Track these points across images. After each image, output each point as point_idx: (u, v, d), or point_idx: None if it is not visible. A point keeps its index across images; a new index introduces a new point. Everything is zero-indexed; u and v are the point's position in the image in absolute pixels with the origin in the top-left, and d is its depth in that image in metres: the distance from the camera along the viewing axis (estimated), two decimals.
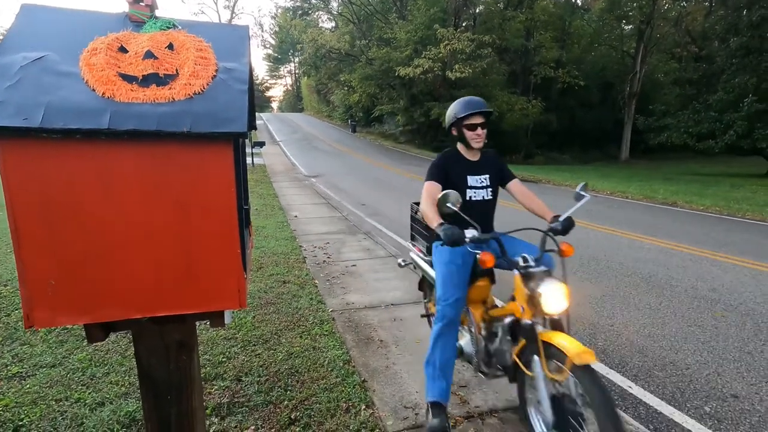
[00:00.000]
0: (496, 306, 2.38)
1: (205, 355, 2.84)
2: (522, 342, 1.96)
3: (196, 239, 1.08)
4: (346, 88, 31.67)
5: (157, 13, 1.25)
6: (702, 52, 23.19)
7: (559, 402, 1.82)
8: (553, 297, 1.79)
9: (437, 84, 24.70)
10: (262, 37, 59.68)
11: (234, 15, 44.99)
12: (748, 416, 2.42)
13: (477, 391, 2.56)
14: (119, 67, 1.06)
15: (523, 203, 2.40)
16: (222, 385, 2.53)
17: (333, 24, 36.53)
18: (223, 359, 2.81)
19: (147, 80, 1.06)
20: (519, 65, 26.68)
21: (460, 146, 2.37)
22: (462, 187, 2.25)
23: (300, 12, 37.90)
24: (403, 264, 3.15)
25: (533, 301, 1.83)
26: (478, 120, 2.24)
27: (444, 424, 2.06)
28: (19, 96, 0.95)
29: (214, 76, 1.12)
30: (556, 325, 1.88)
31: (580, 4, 28.95)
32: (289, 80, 71.39)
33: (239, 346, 2.99)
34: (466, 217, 1.93)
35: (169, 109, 1.03)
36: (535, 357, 1.85)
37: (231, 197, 1.08)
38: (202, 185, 1.06)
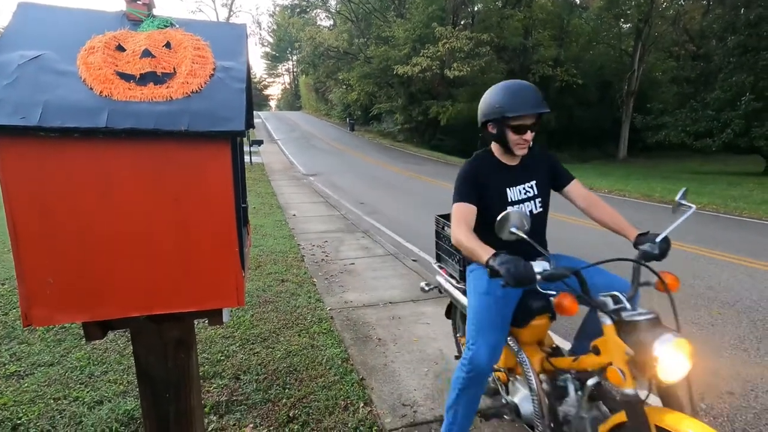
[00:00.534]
0: (558, 348, 1.88)
1: (204, 354, 2.84)
2: (619, 417, 1.39)
3: (194, 238, 1.08)
4: (344, 87, 31.65)
5: (155, 11, 1.25)
6: (700, 51, 23.22)
7: None
8: (674, 360, 1.24)
9: (435, 82, 24.71)
10: (260, 35, 59.53)
11: (232, 13, 44.85)
12: (743, 413, 2.44)
13: None
14: (117, 66, 1.06)
15: (590, 213, 1.86)
16: (220, 383, 2.53)
17: (331, 22, 36.46)
18: (222, 357, 2.81)
19: (144, 79, 1.06)
20: (517, 64, 26.67)
21: (495, 147, 1.83)
22: (499, 206, 1.71)
23: (298, 10, 37.79)
24: (426, 289, 2.53)
25: (641, 364, 1.29)
26: (530, 120, 1.66)
27: None
28: (16, 95, 0.95)
29: (212, 74, 1.13)
30: (669, 394, 1.40)
31: (578, 2, 28.94)
32: (287, 78, 71.32)
33: (237, 344, 3.00)
34: (537, 245, 1.39)
35: (166, 108, 1.03)
36: None
37: (229, 196, 1.08)
38: (200, 184, 1.06)
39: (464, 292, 2.12)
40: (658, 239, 1.57)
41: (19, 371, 2.59)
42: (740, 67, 16.93)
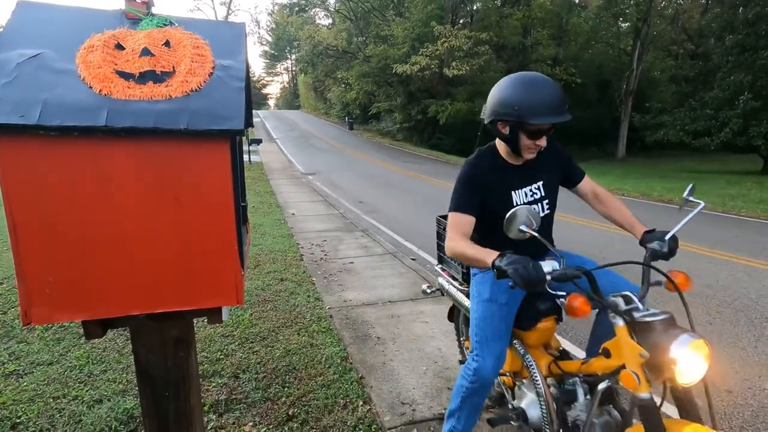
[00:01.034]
0: (566, 351, 1.83)
1: (203, 353, 2.84)
2: (636, 430, 1.32)
3: (194, 236, 1.08)
4: (343, 86, 31.63)
5: (154, 10, 1.25)
6: (698, 50, 23.23)
7: None
8: (693, 362, 1.19)
9: (434, 81, 24.69)
10: (259, 34, 59.45)
11: (230, 12, 44.74)
12: (741, 411, 2.45)
13: None
14: (116, 65, 1.06)
15: (597, 207, 1.81)
16: (220, 382, 2.53)
17: (330, 21, 36.43)
18: (221, 356, 2.82)
19: (144, 77, 1.06)
20: (516, 63, 26.65)
21: (500, 145, 1.67)
22: (503, 210, 1.48)
23: (297, 9, 37.77)
24: (429, 291, 2.49)
25: (656, 366, 1.21)
26: (548, 125, 1.52)
27: None
28: (15, 93, 0.95)
29: (211, 73, 1.13)
30: (685, 402, 1.32)
31: (577, 1, 28.94)
32: (286, 77, 71.27)
33: (237, 343, 3.00)
34: (546, 242, 1.33)
35: (166, 107, 1.03)
36: None
37: (228, 194, 1.09)
38: (199, 182, 1.06)
39: (467, 295, 2.07)
40: (667, 237, 1.51)
41: (18, 370, 2.59)
42: (738, 66, 16.95)
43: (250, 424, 2.19)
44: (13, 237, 0.98)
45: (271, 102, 74.40)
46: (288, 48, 58.88)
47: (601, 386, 1.40)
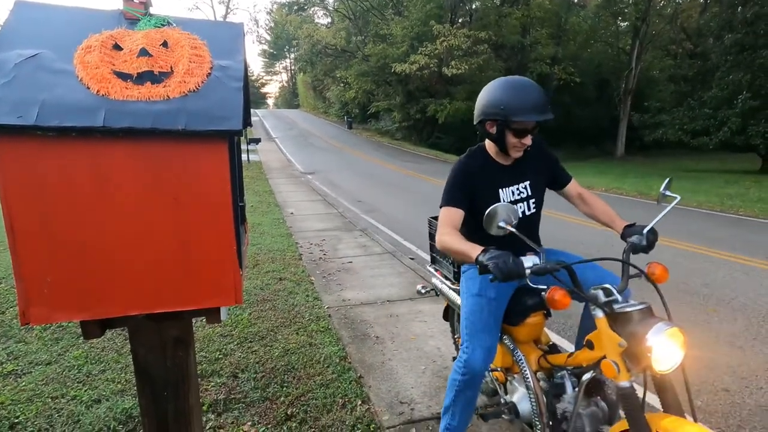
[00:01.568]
0: (555, 345, 1.88)
1: (202, 352, 2.84)
2: (621, 425, 1.37)
3: (192, 236, 1.08)
4: (342, 85, 31.61)
5: (152, 10, 1.25)
6: (697, 49, 23.25)
7: None
8: (668, 349, 1.25)
9: (433, 80, 24.70)
10: (258, 32, 59.35)
11: (229, 11, 44.65)
12: (738, 410, 2.46)
13: None
14: (114, 65, 1.06)
15: (581, 208, 1.90)
16: (218, 381, 2.53)
17: (329, 20, 36.39)
18: (220, 356, 2.82)
19: (142, 78, 1.07)
20: (515, 62, 26.66)
21: (489, 145, 1.76)
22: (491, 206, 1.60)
23: (296, 8, 37.68)
24: (423, 291, 2.55)
25: (634, 355, 1.28)
26: (532, 124, 1.61)
27: None
28: (13, 94, 0.95)
29: (209, 73, 1.13)
30: (666, 394, 1.37)
31: (576, 0, 28.95)
32: (284, 76, 71.19)
33: (235, 342, 3.00)
34: (526, 239, 1.40)
35: (164, 107, 1.03)
36: None
37: (226, 194, 1.09)
38: (198, 183, 1.06)
39: (459, 293, 2.10)
40: (645, 230, 1.57)
41: (17, 370, 2.59)
42: (737, 66, 16.97)
43: (249, 423, 2.19)
44: (11, 237, 0.98)
45: (270, 101, 74.33)
46: (287, 47, 58.78)
47: (586, 377, 1.45)
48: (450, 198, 1.70)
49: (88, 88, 1.01)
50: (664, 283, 1.47)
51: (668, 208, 1.59)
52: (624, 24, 26.94)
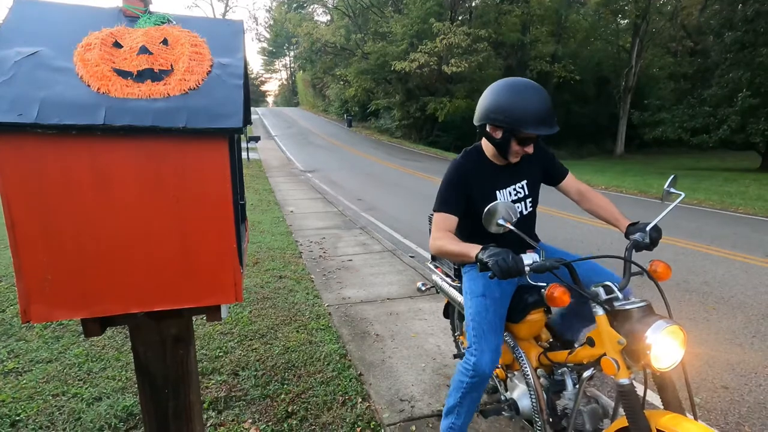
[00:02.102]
0: (555, 343, 1.90)
1: (202, 350, 2.85)
2: (619, 423, 1.37)
3: (192, 234, 1.08)
4: (341, 83, 31.56)
5: (151, 8, 1.25)
6: (697, 47, 23.24)
7: None
8: (667, 347, 1.24)
9: (433, 78, 24.67)
10: (257, 30, 59.10)
11: (228, 8, 44.52)
12: (737, 407, 2.47)
13: None
14: (114, 63, 1.06)
15: (582, 205, 1.87)
16: (219, 379, 2.54)
17: (328, 17, 36.29)
18: (220, 354, 2.82)
19: (142, 76, 1.06)
20: (515, 60, 26.64)
21: (486, 147, 1.73)
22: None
23: (295, 5, 37.58)
24: (423, 288, 2.55)
25: (634, 352, 1.28)
26: (535, 135, 1.58)
27: None
28: (13, 91, 0.95)
29: (209, 71, 1.12)
30: (667, 392, 1.37)
31: None
32: (284, 74, 71.07)
33: (236, 340, 3.01)
34: (526, 237, 1.40)
35: (164, 105, 1.03)
36: None
37: (227, 192, 1.09)
38: (198, 180, 1.06)
39: (460, 290, 2.12)
40: (648, 228, 1.57)
41: (18, 368, 2.59)
42: (737, 64, 16.95)
43: (250, 421, 2.20)
44: (12, 235, 0.98)
45: (270, 99, 74.27)
46: (286, 45, 58.66)
47: (586, 374, 1.47)
48: (443, 203, 1.68)
49: (89, 85, 1.01)
50: (665, 281, 1.48)
51: (672, 205, 1.59)
52: (624, 21, 26.92)
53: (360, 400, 2.38)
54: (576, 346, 1.62)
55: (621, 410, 1.47)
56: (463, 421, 1.80)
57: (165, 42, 1.14)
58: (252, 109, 1.89)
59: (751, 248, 5.69)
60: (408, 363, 2.80)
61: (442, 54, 22.42)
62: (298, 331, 3.18)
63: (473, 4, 26.46)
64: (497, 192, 1.73)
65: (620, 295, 1.37)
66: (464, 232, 1.76)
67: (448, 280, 2.25)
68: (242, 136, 1.34)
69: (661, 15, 24.30)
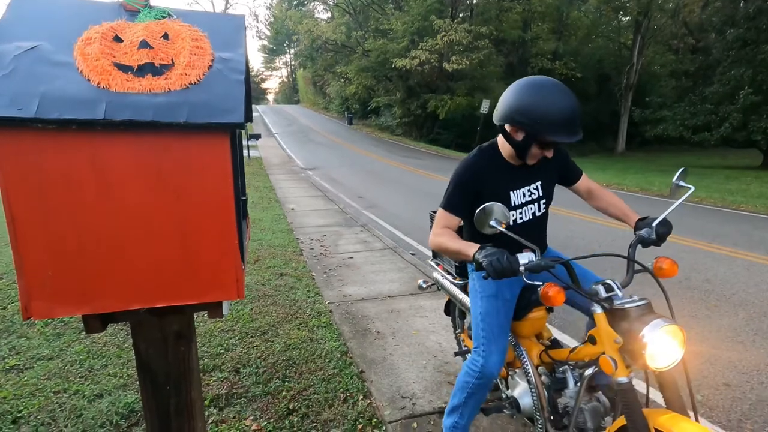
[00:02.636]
0: (557, 340, 1.88)
1: (203, 347, 2.85)
2: (620, 421, 1.35)
3: (194, 229, 1.08)
4: (342, 80, 31.50)
5: (152, 2, 1.23)
6: (699, 44, 23.17)
7: None
8: (663, 345, 1.22)
9: (434, 76, 24.61)
10: (257, 27, 59.10)
11: (228, 5, 44.38)
12: (739, 404, 2.46)
13: None
14: (114, 57, 1.05)
15: (592, 203, 1.84)
16: (220, 376, 2.54)
17: (329, 15, 36.19)
18: (221, 351, 2.82)
19: (142, 70, 1.05)
20: (516, 57, 26.58)
21: (503, 145, 1.64)
22: None
23: (295, 2, 37.49)
24: (424, 286, 2.54)
25: (631, 351, 1.27)
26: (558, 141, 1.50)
27: None
28: (13, 86, 0.94)
29: (210, 66, 1.11)
30: (669, 392, 1.34)
31: None
32: (284, 72, 70.96)
33: (237, 338, 3.01)
34: (520, 239, 1.37)
35: (165, 100, 1.02)
36: None
37: (228, 188, 1.08)
38: (199, 176, 1.05)
39: (462, 288, 2.14)
40: (655, 223, 1.53)
41: (19, 365, 2.59)
42: (739, 61, 16.90)
43: (251, 418, 2.20)
44: (12, 231, 0.98)
45: (270, 97, 74.23)
46: (287, 42, 58.51)
47: (588, 372, 1.44)
48: (450, 203, 1.63)
49: (89, 80, 1.00)
50: (667, 278, 1.46)
51: (681, 200, 1.54)
52: (625, 19, 26.83)
53: (361, 397, 2.38)
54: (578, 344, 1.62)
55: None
56: (467, 420, 1.80)
57: (166, 36, 1.13)
58: (253, 106, 1.88)
59: (752, 246, 5.68)
60: (409, 360, 2.80)
61: (443, 51, 22.36)
62: (299, 329, 3.18)
63: (474, 1, 26.37)
64: (511, 193, 1.66)
65: (620, 294, 1.35)
66: (471, 231, 1.74)
67: (450, 277, 2.25)
68: (243, 133, 1.33)
69: (663, 12, 24.19)
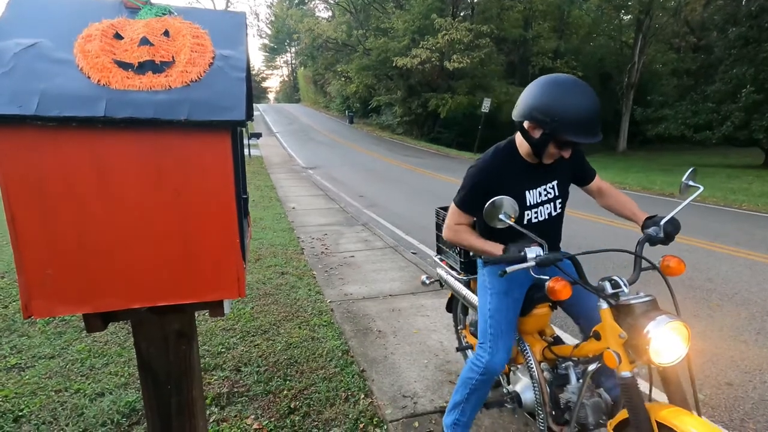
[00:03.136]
0: (559, 338, 1.90)
1: (204, 346, 2.84)
2: (622, 414, 1.37)
3: (195, 228, 1.07)
4: (343, 79, 31.45)
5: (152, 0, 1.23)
6: (700, 43, 23.11)
7: None
8: (667, 341, 1.24)
9: (435, 74, 24.57)
10: (258, 26, 58.93)
11: (229, 4, 44.35)
12: (741, 403, 2.46)
13: None
14: (114, 54, 1.04)
15: (604, 203, 1.84)
16: (221, 375, 2.54)
17: (330, 13, 36.16)
18: (222, 350, 2.82)
19: (143, 67, 1.05)
20: (517, 55, 26.53)
21: (520, 143, 1.63)
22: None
23: (296, 1, 37.45)
24: (427, 282, 2.53)
25: (635, 346, 1.29)
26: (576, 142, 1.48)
27: None
28: (13, 83, 0.94)
29: (211, 63, 1.10)
30: (672, 388, 1.35)
31: None
32: (285, 71, 70.92)
33: (238, 336, 3.00)
34: (528, 233, 1.39)
35: (165, 97, 1.01)
36: None
37: (229, 186, 1.07)
38: (201, 174, 1.05)
39: (465, 284, 2.15)
40: (663, 222, 1.54)
41: (20, 364, 2.59)
42: (741, 59, 16.84)
43: (252, 416, 2.19)
44: (12, 229, 0.97)
45: (271, 96, 74.22)
46: (287, 41, 58.50)
47: (591, 367, 1.47)
48: (463, 202, 1.64)
49: (89, 77, 0.99)
50: (669, 277, 1.46)
51: (689, 199, 1.56)
52: (627, 17, 26.73)
53: (363, 396, 2.38)
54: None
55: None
56: (468, 417, 1.81)
57: (166, 33, 1.12)
58: (254, 105, 1.87)
59: (754, 245, 5.66)
60: (410, 359, 2.80)
61: (444, 50, 22.31)
62: (300, 328, 3.17)
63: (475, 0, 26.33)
64: (526, 192, 1.64)
65: (626, 290, 1.36)
66: (484, 226, 1.72)
67: (454, 273, 2.26)
68: (244, 131, 1.32)
69: (665, 10, 24.11)
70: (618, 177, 12.93)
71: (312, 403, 2.31)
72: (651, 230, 1.55)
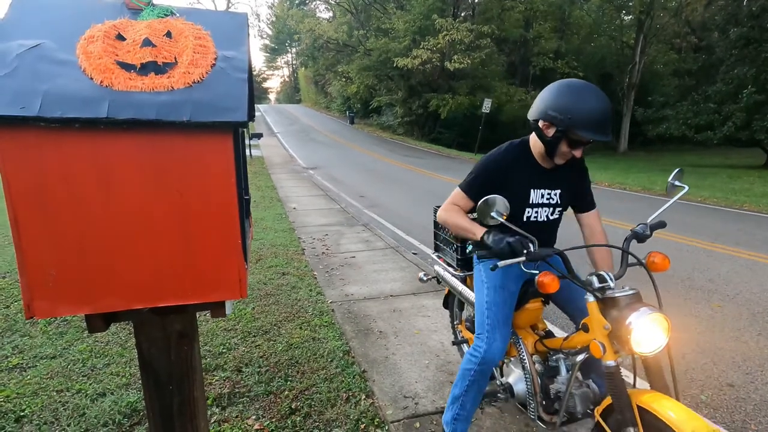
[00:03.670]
0: (550, 332, 1.98)
1: (206, 346, 2.85)
2: (607, 401, 1.45)
3: (197, 229, 1.07)
4: (343, 79, 31.48)
5: (155, 0, 1.23)
6: (702, 43, 23.08)
7: None
8: (648, 332, 1.32)
9: (435, 75, 24.58)
10: (259, 27, 59.04)
11: (230, 4, 44.38)
12: (743, 404, 2.45)
13: None
14: (117, 55, 1.04)
15: (584, 240, 1.88)
16: (223, 375, 2.54)
17: (330, 14, 36.19)
18: (224, 350, 2.82)
19: (145, 68, 1.05)
20: (518, 56, 26.54)
21: (534, 143, 1.71)
22: (519, 204, 1.70)
23: (297, 1, 37.49)
24: (425, 279, 2.60)
25: (618, 337, 1.37)
26: (587, 139, 1.55)
27: None
28: (15, 84, 0.94)
29: (213, 64, 1.11)
30: (655, 378, 1.43)
31: None
32: (286, 71, 70.98)
33: (239, 337, 3.01)
34: (518, 230, 1.46)
35: (168, 98, 1.01)
36: (631, 430, 1.34)
37: (231, 186, 1.07)
38: (202, 175, 1.05)
39: (462, 280, 2.22)
40: (650, 220, 1.63)
41: (22, 364, 2.60)
42: (742, 60, 16.83)
43: (253, 417, 2.19)
44: (15, 230, 0.97)
45: (272, 96, 74.30)
46: (288, 41, 58.55)
47: (579, 358, 1.56)
48: (470, 186, 1.73)
49: (91, 78, 0.99)
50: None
51: (674, 199, 1.66)
52: (628, 17, 26.72)
53: (364, 396, 2.38)
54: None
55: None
56: (468, 411, 1.84)
57: (168, 35, 1.12)
58: (255, 105, 1.88)
59: (756, 245, 5.66)
60: (411, 360, 2.80)
61: (445, 50, 22.33)
62: (301, 328, 3.18)
63: (476, 0, 26.32)
64: (531, 190, 1.72)
65: (612, 284, 1.45)
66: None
67: (451, 270, 2.33)
68: (246, 132, 1.33)
69: (666, 11, 24.10)
70: (619, 177, 12.92)
71: (313, 403, 2.31)
72: (638, 228, 1.63)
